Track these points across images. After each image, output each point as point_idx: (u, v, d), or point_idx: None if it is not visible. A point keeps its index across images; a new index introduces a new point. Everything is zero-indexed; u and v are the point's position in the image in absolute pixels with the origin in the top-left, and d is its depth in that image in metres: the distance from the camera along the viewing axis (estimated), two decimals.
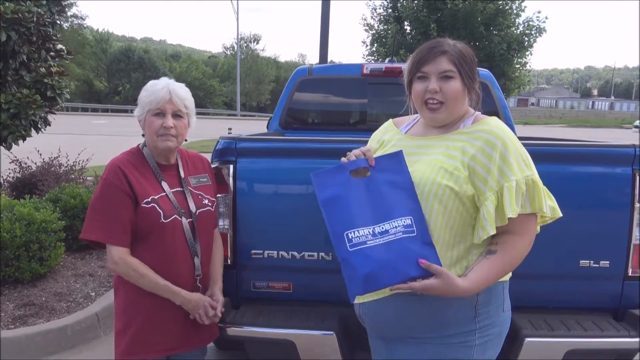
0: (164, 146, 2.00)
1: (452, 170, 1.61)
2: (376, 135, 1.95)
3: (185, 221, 2.01)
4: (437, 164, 1.64)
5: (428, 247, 1.58)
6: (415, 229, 1.59)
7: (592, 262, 2.29)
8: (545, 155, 2.32)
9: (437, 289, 1.53)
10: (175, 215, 1.99)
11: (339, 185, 1.65)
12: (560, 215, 1.65)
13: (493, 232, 1.56)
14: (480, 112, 1.76)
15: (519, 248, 1.60)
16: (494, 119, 1.70)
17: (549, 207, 1.62)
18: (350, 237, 1.58)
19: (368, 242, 1.57)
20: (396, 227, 1.59)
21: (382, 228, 1.59)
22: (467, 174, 1.60)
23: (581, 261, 2.30)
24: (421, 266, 1.54)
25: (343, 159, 1.70)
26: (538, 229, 1.70)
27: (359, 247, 1.57)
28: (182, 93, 2.02)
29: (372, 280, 1.55)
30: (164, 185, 2.02)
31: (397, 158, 1.69)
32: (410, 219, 1.60)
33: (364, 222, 1.60)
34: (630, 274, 2.31)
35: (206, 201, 2.11)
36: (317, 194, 1.65)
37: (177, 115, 2.00)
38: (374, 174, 1.67)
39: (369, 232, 1.59)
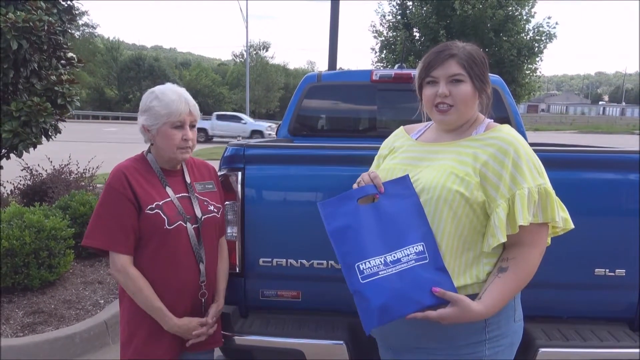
0: (182, 158, 2.02)
1: (464, 176, 1.58)
2: (387, 143, 1.94)
3: (190, 227, 2.00)
4: (447, 169, 1.62)
5: (441, 274, 1.56)
6: (427, 255, 1.57)
7: (607, 270, 2.24)
8: (557, 162, 2.28)
9: (453, 317, 1.51)
10: (180, 221, 1.98)
11: (347, 215, 1.64)
12: (572, 227, 1.62)
13: (504, 239, 1.53)
14: (492, 120, 1.73)
15: (531, 261, 1.57)
16: (507, 126, 1.68)
17: (562, 218, 1.59)
18: (361, 269, 1.56)
19: (380, 273, 1.55)
20: (408, 254, 1.57)
21: (394, 257, 1.57)
22: (478, 180, 1.57)
23: (596, 270, 2.25)
24: (435, 294, 1.52)
25: (354, 185, 1.69)
26: (549, 240, 1.66)
27: (371, 279, 1.55)
28: (193, 101, 2.03)
29: (386, 311, 1.52)
30: (169, 190, 2.01)
31: (404, 182, 1.68)
32: (422, 245, 1.58)
33: (375, 251, 1.58)
34: None
35: (212, 207, 2.10)
36: (326, 225, 1.64)
37: (192, 125, 2.02)
38: (382, 200, 1.66)
39: (380, 261, 1.57)
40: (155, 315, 1.94)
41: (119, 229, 1.92)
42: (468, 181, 1.57)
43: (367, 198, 1.68)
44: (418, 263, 1.56)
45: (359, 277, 1.55)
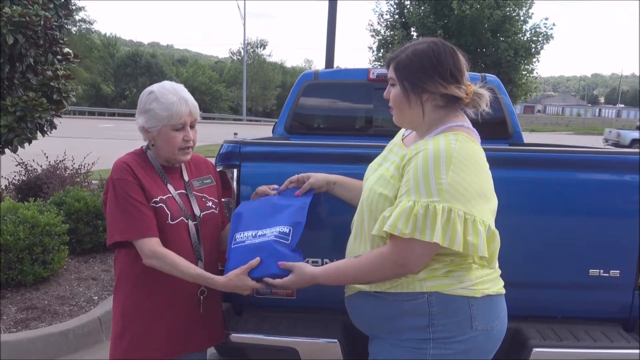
0: (184, 159, 2.01)
1: (389, 177, 1.62)
2: (395, 137, 1.98)
3: (191, 223, 1.99)
4: (382, 172, 1.68)
5: (294, 253, 1.83)
6: (290, 238, 1.86)
7: (601, 271, 2.25)
8: (553, 162, 2.29)
9: (291, 282, 1.72)
10: (182, 217, 1.97)
11: (250, 203, 2.10)
12: (481, 254, 1.52)
13: (374, 232, 1.59)
14: (460, 124, 1.66)
15: (379, 265, 1.57)
16: (449, 135, 1.59)
17: (469, 243, 1.49)
18: (236, 237, 1.93)
19: (246, 242, 1.89)
20: (273, 232, 1.88)
21: (263, 232, 1.90)
22: (400, 184, 1.59)
23: (590, 270, 2.25)
24: (280, 267, 1.76)
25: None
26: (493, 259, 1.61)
27: (238, 245, 1.91)
28: (193, 99, 2.01)
29: (233, 269, 1.85)
30: (170, 187, 2.01)
31: (308, 193, 2.07)
32: (289, 228, 1.88)
33: (252, 227, 1.94)
34: None
35: (210, 203, 2.09)
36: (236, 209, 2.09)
37: (192, 125, 2.00)
38: (284, 196, 2.08)
39: (251, 234, 1.91)
40: (201, 282, 1.91)
41: (141, 215, 1.88)
42: (393, 184, 1.60)
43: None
44: (277, 239, 1.84)
45: (232, 243, 1.93)
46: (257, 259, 1.81)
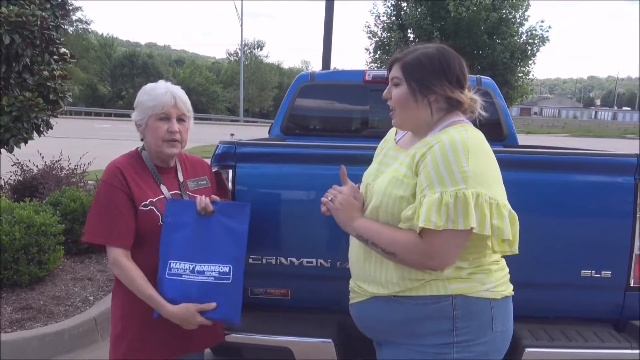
0: (169, 152, 2.00)
1: (402, 177, 1.61)
2: (380, 143, 1.96)
3: None
4: (392, 174, 1.65)
5: (237, 292, 1.90)
6: (231, 276, 1.90)
7: (593, 272, 2.27)
8: (547, 164, 2.30)
9: (344, 201, 1.71)
10: None
11: (185, 217, 1.95)
12: (506, 237, 1.52)
13: (402, 226, 1.57)
14: (461, 119, 1.69)
15: (410, 246, 1.53)
16: (458, 127, 1.61)
17: (495, 227, 1.49)
18: (171, 266, 1.89)
19: (183, 276, 1.89)
20: (212, 271, 1.90)
21: (201, 268, 1.90)
22: (416, 181, 1.58)
23: (582, 271, 2.27)
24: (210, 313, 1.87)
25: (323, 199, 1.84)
26: (514, 248, 1.62)
27: (174, 277, 1.88)
28: (184, 96, 2.03)
29: (170, 299, 1.87)
30: (163, 188, 2.01)
31: (243, 209, 2.02)
32: (229, 267, 1.91)
33: (188, 257, 1.91)
34: (632, 285, 2.28)
35: None
36: (166, 217, 1.94)
37: (180, 119, 2.01)
38: (218, 216, 1.98)
39: (188, 267, 1.90)
40: (150, 303, 1.91)
41: (118, 223, 1.91)
42: (407, 183, 1.59)
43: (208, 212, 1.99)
44: (218, 280, 1.89)
45: (167, 271, 1.89)
46: (213, 304, 1.88)
